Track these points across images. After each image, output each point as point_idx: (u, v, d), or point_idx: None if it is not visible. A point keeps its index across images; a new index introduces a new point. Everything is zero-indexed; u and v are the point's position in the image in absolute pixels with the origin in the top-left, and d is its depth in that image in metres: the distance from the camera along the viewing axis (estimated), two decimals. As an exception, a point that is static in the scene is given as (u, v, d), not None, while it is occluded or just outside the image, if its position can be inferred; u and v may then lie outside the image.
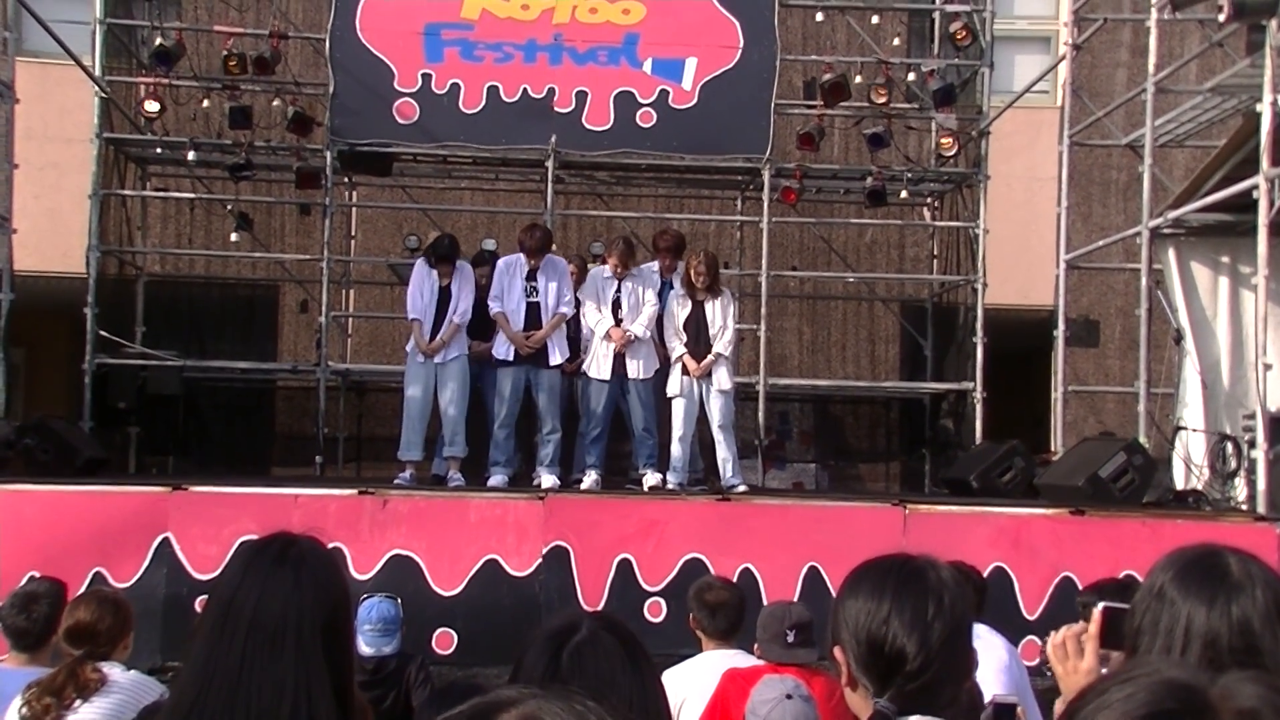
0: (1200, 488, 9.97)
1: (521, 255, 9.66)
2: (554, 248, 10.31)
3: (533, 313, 9.58)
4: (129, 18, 12.87)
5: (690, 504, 8.80)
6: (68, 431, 10.24)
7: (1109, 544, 8.16)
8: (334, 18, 11.95)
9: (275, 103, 12.69)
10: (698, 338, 9.65)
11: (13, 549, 7.64)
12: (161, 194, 13.89)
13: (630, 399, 9.71)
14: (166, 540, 7.99)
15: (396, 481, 9.35)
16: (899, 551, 2.16)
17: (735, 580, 6.48)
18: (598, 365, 9.66)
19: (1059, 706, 2.28)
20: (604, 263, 10.16)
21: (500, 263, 9.88)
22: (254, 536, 2.20)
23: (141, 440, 12.71)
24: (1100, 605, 2.21)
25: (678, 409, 9.66)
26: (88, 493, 8.44)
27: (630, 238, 10.84)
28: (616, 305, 9.65)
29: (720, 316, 9.69)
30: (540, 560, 8.20)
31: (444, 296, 9.64)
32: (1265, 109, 8.88)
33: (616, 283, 9.68)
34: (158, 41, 12.01)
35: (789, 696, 3.35)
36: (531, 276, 9.59)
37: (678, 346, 9.64)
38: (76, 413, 11.81)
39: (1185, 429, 10.73)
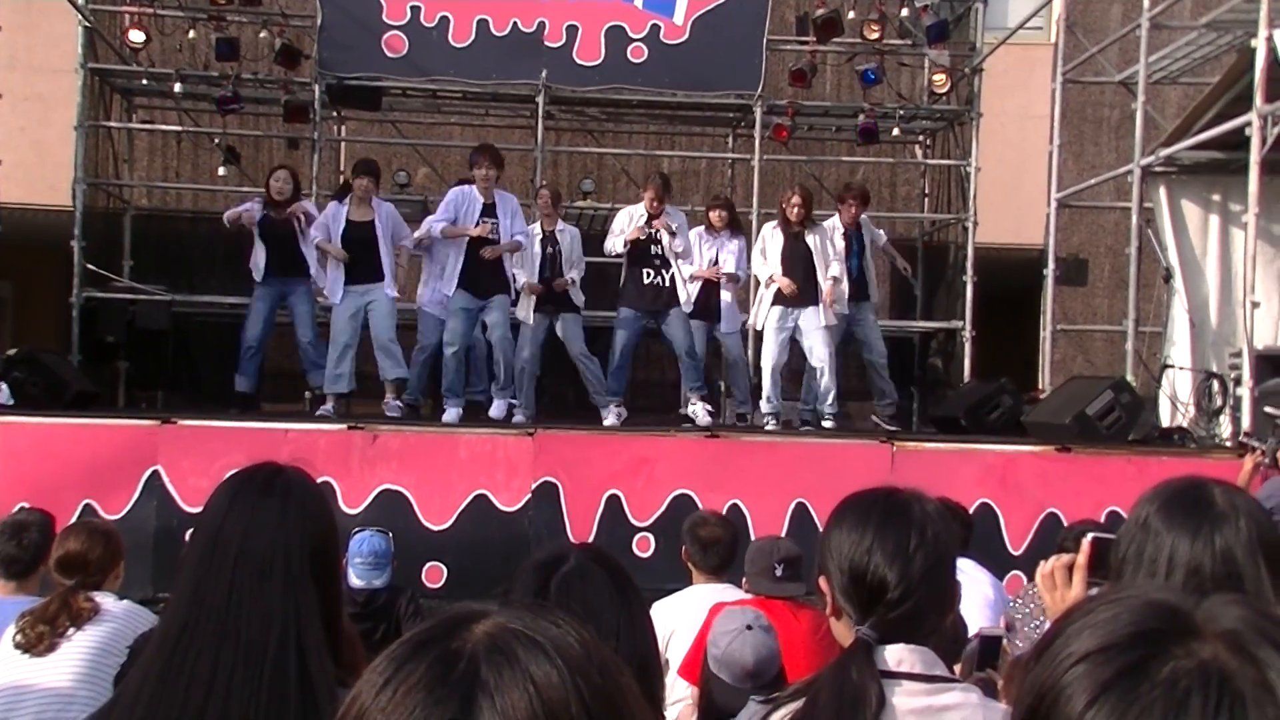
0: (1186, 425, 10.03)
1: (475, 189, 9.37)
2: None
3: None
4: (112, -54, 12.67)
5: (679, 440, 8.82)
6: (57, 364, 10.21)
7: (1095, 481, 8.22)
8: (321, -53, 11.79)
9: (262, 34, 12.54)
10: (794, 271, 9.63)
11: (2, 480, 7.66)
12: (148, 126, 13.77)
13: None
14: (156, 473, 8.01)
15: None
16: (886, 485, 2.18)
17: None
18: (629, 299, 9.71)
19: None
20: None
21: (454, 192, 9.60)
22: (243, 468, 2.19)
23: (130, 375, 12.67)
24: (1089, 535, 2.24)
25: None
26: (78, 425, 8.43)
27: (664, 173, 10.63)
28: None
29: (823, 248, 9.69)
30: (529, 496, 8.24)
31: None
32: (1260, 45, 8.83)
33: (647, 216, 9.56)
34: (142, -30, 11.85)
35: (749, 627, 3.39)
36: (489, 213, 9.35)
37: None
38: (65, 346, 11.77)
39: (1172, 367, 10.78)
